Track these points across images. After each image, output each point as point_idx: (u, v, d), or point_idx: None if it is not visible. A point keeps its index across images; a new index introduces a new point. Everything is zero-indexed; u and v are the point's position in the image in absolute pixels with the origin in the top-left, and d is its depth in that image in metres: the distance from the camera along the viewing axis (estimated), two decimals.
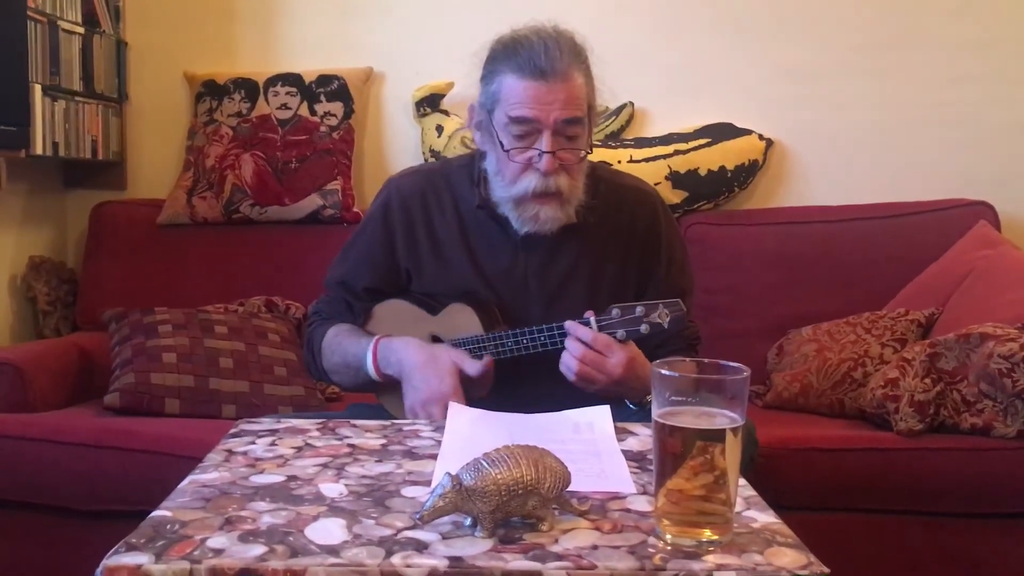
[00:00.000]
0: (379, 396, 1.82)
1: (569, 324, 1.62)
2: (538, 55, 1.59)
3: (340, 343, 1.80)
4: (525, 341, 1.67)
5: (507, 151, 1.63)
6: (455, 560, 0.95)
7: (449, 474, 1.02)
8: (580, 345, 1.59)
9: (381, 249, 1.82)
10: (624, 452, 1.33)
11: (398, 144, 3.08)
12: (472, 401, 1.62)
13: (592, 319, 1.62)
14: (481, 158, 1.74)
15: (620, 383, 1.61)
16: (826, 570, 0.95)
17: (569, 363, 1.60)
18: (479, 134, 1.73)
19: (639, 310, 1.60)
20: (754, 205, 2.98)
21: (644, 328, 1.60)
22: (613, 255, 1.76)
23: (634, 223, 1.78)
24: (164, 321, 2.44)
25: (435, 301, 1.78)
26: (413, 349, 1.69)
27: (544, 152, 1.61)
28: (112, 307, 2.54)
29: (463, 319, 1.73)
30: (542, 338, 1.66)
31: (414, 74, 3.01)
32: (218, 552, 0.96)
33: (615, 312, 1.61)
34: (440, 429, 1.44)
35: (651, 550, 0.99)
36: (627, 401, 1.66)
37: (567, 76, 1.61)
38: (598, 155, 2.77)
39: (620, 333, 1.60)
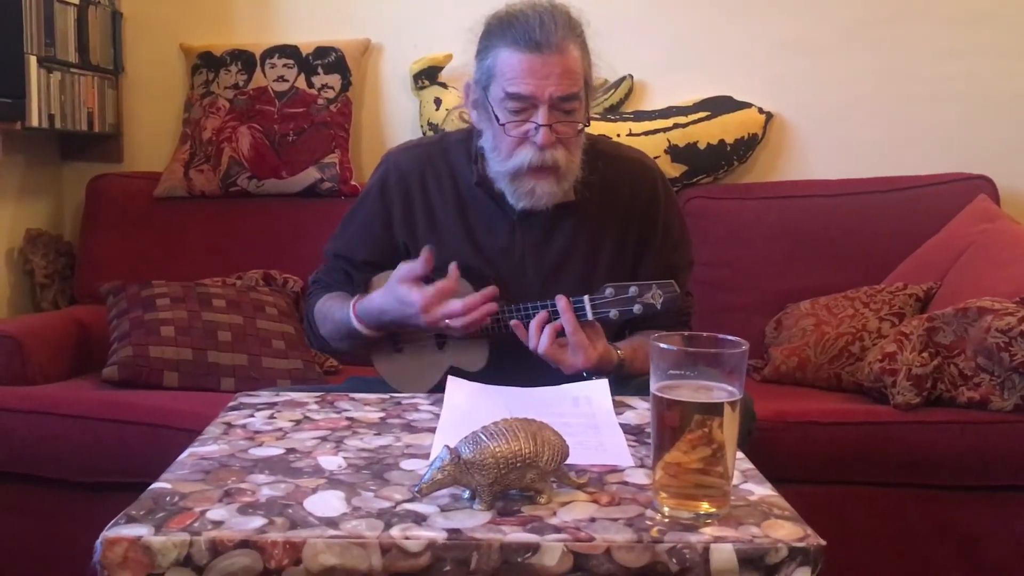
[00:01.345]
0: (377, 365, 1.82)
1: (561, 304, 1.61)
2: (533, 28, 1.59)
3: (329, 312, 1.81)
4: (520, 317, 1.66)
5: (503, 125, 1.63)
6: (454, 532, 0.96)
7: (448, 447, 1.02)
8: (547, 339, 1.59)
9: (379, 224, 1.82)
10: (622, 425, 1.34)
11: (396, 117, 3.07)
12: (471, 374, 1.62)
13: (586, 299, 1.62)
14: (478, 136, 1.74)
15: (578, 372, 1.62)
16: (822, 542, 0.96)
17: (532, 341, 1.61)
18: (475, 112, 1.72)
19: (632, 290, 1.60)
20: (753, 179, 2.97)
21: (637, 308, 1.60)
22: (611, 230, 1.76)
23: (633, 196, 1.77)
24: (162, 294, 2.43)
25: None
26: (381, 299, 1.70)
27: (540, 125, 1.60)
28: (110, 280, 2.54)
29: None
30: (534, 314, 1.65)
31: (412, 46, 2.99)
32: (217, 524, 0.97)
33: (608, 292, 1.61)
34: (439, 402, 1.45)
35: (649, 523, 1.00)
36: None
37: (562, 48, 1.60)
38: (597, 129, 2.76)
39: (613, 313, 1.61)
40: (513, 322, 1.64)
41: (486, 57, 1.65)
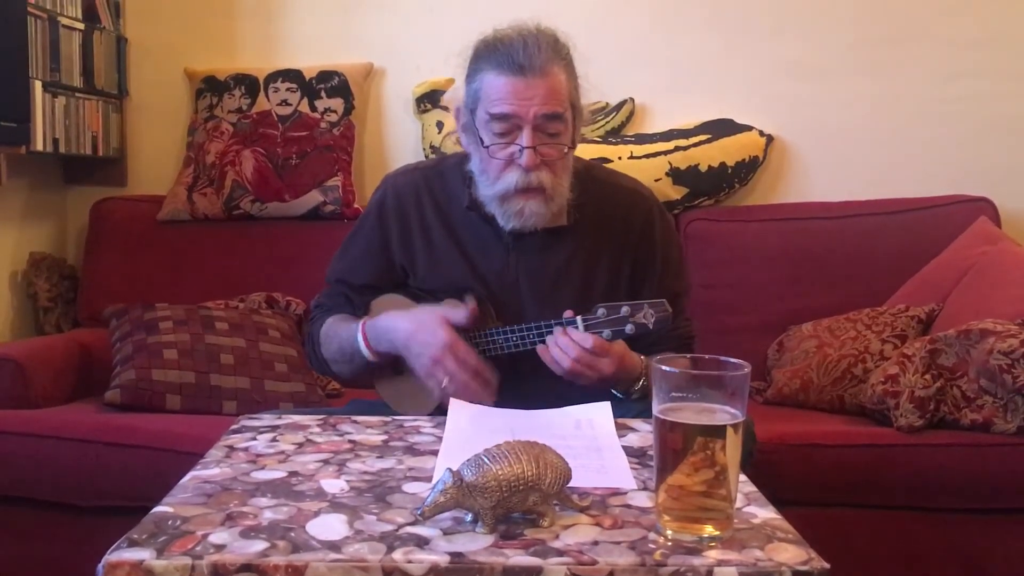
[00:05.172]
0: (378, 388, 1.82)
1: (571, 332, 1.61)
2: (516, 51, 1.60)
3: (335, 330, 1.82)
4: (515, 338, 1.68)
5: (487, 147, 1.64)
6: (456, 556, 0.96)
7: (450, 470, 1.02)
8: (575, 346, 1.59)
9: (377, 246, 1.83)
10: (625, 448, 1.34)
11: (399, 140, 3.08)
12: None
13: (579, 320, 1.62)
14: (468, 159, 1.75)
15: (609, 380, 1.62)
16: (826, 566, 0.96)
17: (560, 360, 1.60)
18: (464, 136, 1.73)
19: (624, 310, 1.61)
20: (755, 201, 2.98)
21: (629, 328, 1.61)
22: (605, 256, 1.77)
23: (628, 225, 1.78)
24: (165, 317, 2.44)
25: (431, 297, 1.79)
26: (399, 320, 1.70)
27: (524, 148, 1.61)
28: (113, 303, 2.55)
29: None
30: (531, 336, 1.66)
31: (415, 70, 3.01)
32: (220, 548, 0.96)
33: (601, 312, 1.62)
34: (441, 425, 1.45)
35: (652, 546, 0.99)
36: (613, 390, 1.67)
37: (546, 72, 1.61)
38: (598, 151, 2.77)
39: (606, 333, 1.61)
40: (539, 348, 1.63)
41: (473, 81, 1.67)
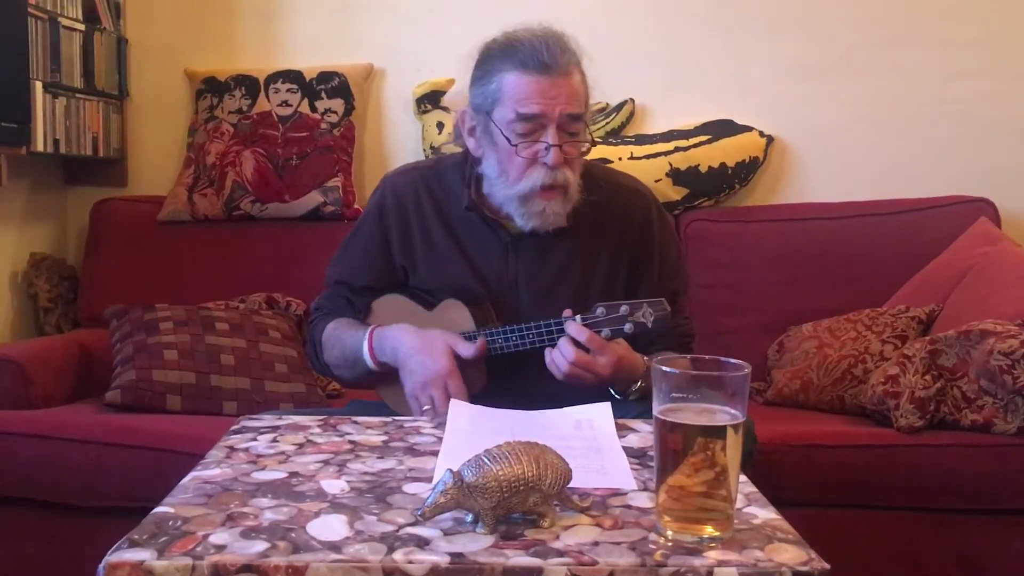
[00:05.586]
0: (379, 390, 1.83)
1: (567, 325, 1.62)
2: (540, 51, 1.61)
3: (339, 336, 1.81)
4: (515, 338, 1.68)
5: (515, 146, 1.64)
6: (456, 556, 0.96)
7: (451, 470, 1.02)
8: (572, 348, 1.59)
9: (377, 247, 1.83)
10: (625, 449, 1.34)
11: (399, 141, 3.08)
12: (470, 395, 1.63)
13: (577, 319, 1.63)
14: (476, 163, 1.74)
15: (607, 382, 1.63)
16: (826, 566, 0.96)
17: (559, 363, 1.61)
18: (473, 140, 1.73)
19: (623, 309, 1.62)
20: (755, 202, 2.98)
21: (628, 327, 1.61)
22: (604, 255, 1.77)
23: (627, 223, 1.78)
24: (165, 318, 2.44)
25: (431, 297, 1.80)
26: (407, 335, 1.70)
27: (552, 146, 1.62)
28: (113, 304, 2.54)
29: (456, 315, 1.74)
30: (531, 335, 1.67)
31: (415, 71, 3.01)
32: (220, 548, 0.96)
33: (600, 311, 1.63)
34: (441, 425, 1.45)
35: (652, 546, 0.99)
36: (611, 390, 1.68)
37: (568, 71, 1.63)
38: (598, 152, 2.77)
39: (605, 332, 1.62)
40: (548, 361, 1.63)
41: (489, 82, 1.66)
